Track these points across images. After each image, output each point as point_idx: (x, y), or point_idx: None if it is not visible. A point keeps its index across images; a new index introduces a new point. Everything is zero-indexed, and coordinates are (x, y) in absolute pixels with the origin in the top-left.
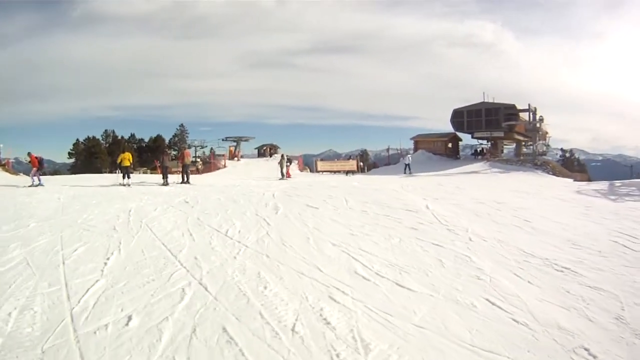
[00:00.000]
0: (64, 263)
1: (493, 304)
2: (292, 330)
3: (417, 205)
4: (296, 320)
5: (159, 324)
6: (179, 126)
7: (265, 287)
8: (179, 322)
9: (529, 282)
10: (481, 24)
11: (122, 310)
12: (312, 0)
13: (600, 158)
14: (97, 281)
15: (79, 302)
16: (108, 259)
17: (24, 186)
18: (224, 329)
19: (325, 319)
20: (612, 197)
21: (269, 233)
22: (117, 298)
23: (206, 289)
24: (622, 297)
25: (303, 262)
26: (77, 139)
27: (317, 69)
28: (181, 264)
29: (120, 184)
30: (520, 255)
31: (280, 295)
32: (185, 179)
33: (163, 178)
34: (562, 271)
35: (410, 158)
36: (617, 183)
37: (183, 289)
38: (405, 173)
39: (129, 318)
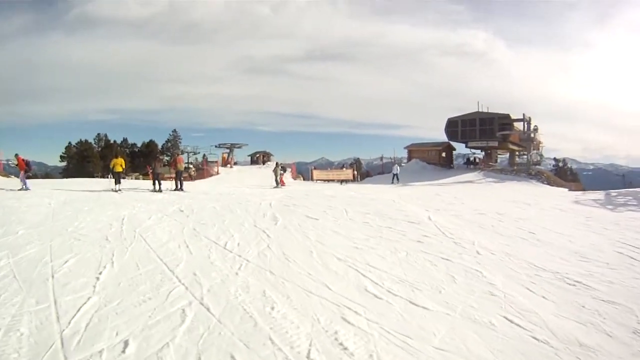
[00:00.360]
0: (53, 277)
1: (511, 321)
2: (307, 357)
3: (419, 217)
4: (310, 345)
5: (159, 351)
6: (172, 131)
7: (273, 308)
8: (181, 348)
9: (543, 297)
10: (473, 32)
11: (117, 334)
12: (307, 7)
13: (592, 167)
14: (89, 299)
15: (69, 323)
16: (100, 273)
17: (11, 189)
18: (232, 358)
19: (341, 344)
20: (610, 207)
21: (269, 246)
22: (111, 319)
23: (208, 309)
24: (636, 310)
25: (309, 278)
26: (70, 142)
27: (311, 76)
28: (179, 281)
29: (112, 190)
30: (530, 269)
31: (290, 316)
32: (179, 186)
33: (153, 184)
34: (574, 285)
35: (398, 168)
36: (613, 193)
37: (183, 310)
38: (393, 183)
39: (126, 343)
